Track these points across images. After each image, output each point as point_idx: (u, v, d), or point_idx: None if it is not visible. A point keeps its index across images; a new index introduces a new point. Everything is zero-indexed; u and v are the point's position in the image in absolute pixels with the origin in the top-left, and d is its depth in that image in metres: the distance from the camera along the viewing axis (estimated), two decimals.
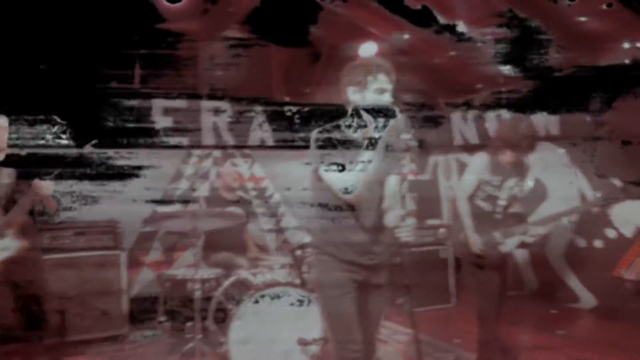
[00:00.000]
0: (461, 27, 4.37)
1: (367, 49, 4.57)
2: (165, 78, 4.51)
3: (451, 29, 4.39)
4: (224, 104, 4.89)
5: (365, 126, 2.09)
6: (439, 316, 4.34)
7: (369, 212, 2.12)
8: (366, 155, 2.02)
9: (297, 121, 4.97)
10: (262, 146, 5.02)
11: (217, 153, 4.83)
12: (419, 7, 4.16)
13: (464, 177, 3.02)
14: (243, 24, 4.56)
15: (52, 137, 3.66)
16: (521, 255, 4.98)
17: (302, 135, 4.85)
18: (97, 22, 3.80)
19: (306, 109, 5.00)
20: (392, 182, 2.16)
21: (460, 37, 4.39)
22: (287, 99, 5.14)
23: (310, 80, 5.16)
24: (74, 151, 3.11)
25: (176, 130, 4.64)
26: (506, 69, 4.45)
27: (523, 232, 2.89)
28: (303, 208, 4.15)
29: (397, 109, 2.01)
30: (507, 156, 2.91)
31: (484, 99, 5.20)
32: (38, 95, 3.75)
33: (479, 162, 2.95)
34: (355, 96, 2.14)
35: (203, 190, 4.57)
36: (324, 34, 4.80)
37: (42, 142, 3.63)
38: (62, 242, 3.74)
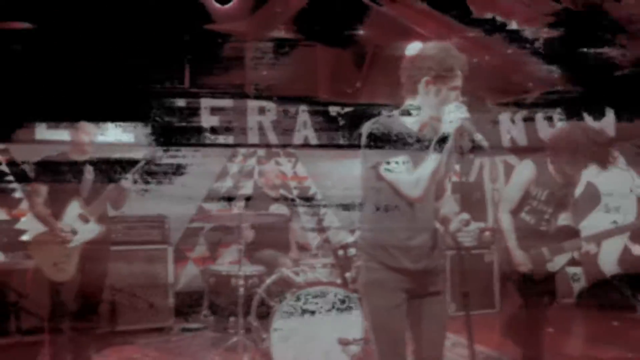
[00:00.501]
0: (513, 25, 4.25)
1: (412, 48, 4.51)
2: (213, 78, 4.61)
3: (502, 27, 4.28)
4: (269, 104, 4.96)
5: (424, 119, 1.98)
6: (482, 321, 4.22)
7: (427, 213, 2.02)
8: (433, 152, 1.89)
9: (341, 121, 4.98)
10: (305, 145, 5.05)
11: (261, 152, 4.90)
12: (469, 7, 4.08)
13: (507, 188, 2.85)
14: (289, 24, 4.61)
15: (112, 138, 3.85)
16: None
17: (346, 135, 4.85)
18: (149, 22, 3.93)
19: (351, 109, 4.99)
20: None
21: (512, 36, 4.27)
22: (332, 99, 5.15)
23: (356, 80, 5.15)
24: (131, 150, 3.35)
25: (222, 129, 4.74)
26: (559, 69, 4.29)
27: (574, 248, 2.70)
28: (347, 208, 4.15)
29: (466, 108, 1.88)
30: (561, 165, 2.66)
31: (535, 99, 5.04)
32: (94, 96, 3.92)
33: (524, 172, 2.73)
34: (424, 91, 1.96)
35: (247, 189, 4.65)
36: (370, 34, 4.77)
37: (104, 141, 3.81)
38: (114, 236, 3.90)
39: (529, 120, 5.18)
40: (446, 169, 1.99)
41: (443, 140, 1.87)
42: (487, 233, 4.66)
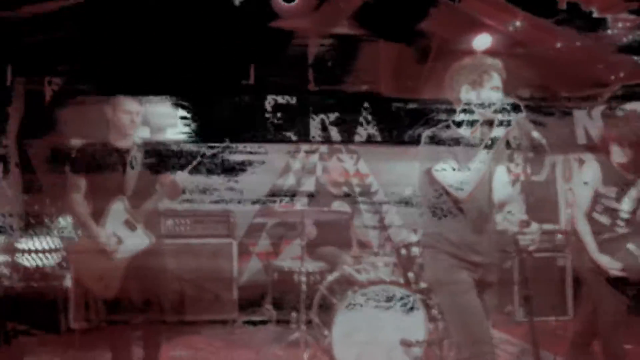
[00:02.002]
0: (591, 13, 3.99)
1: (481, 42, 4.35)
2: (277, 75, 4.67)
3: (578, 16, 4.03)
4: (331, 100, 4.96)
5: (476, 124, 2.08)
6: (554, 328, 4.03)
7: (477, 212, 2.11)
8: (482, 153, 2.00)
9: (404, 117, 4.89)
10: (368, 141, 5.01)
11: (323, 148, 4.92)
12: None
13: (577, 191, 2.78)
14: (353, 20, 4.58)
15: (176, 131, 3.94)
16: None
17: (409, 131, 4.76)
18: (217, 20, 4.03)
19: (414, 105, 4.90)
20: (504, 182, 2.12)
21: (589, 25, 4.01)
22: (395, 94, 5.08)
23: (419, 75, 5.04)
24: (194, 145, 3.27)
25: (285, 126, 4.79)
26: None
27: None
28: (409, 206, 4.08)
29: (521, 105, 1.96)
30: (623, 157, 2.60)
31: (614, 92, 4.71)
32: (160, 89, 4.05)
33: (590, 172, 2.68)
34: (469, 94, 2.12)
35: (309, 185, 4.68)
36: (435, 28, 4.65)
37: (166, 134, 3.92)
38: (182, 230, 4.05)
39: (608, 115, 4.85)
40: (494, 168, 2.10)
41: (492, 141, 1.99)
42: (559, 236, 4.43)
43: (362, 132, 5.02)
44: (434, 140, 2.11)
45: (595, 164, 2.68)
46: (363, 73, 5.01)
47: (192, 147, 2.99)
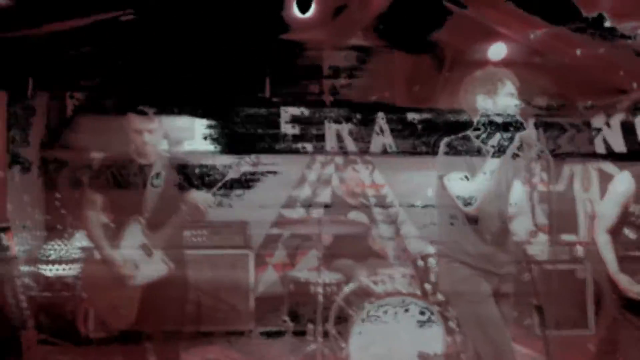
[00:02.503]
0: (607, 21, 3.95)
1: (496, 51, 4.34)
2: (292, 86, 4.70)
3: (594, 24, 3.99)
4: (346, 111, 4.98)
5: (494, 135, 2.08)
6: (574, 343, 3.95)
7: (492, 222, 2.12)
8: (491, 164, 2.02)
9: (419, 128, 4.89)
10: (383, 152, 5.02)
11: (339, 159, 4.93)
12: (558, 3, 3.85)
13: (603, 204, 2.59)
14: (367, 30, 4.60)
15: (194, 143, 3.98)
16: None
17: (424, 141, 4.76)
18: (231, 33, 4.08)
19: (429, 115, 4.89)
20: (518, 193, 2.13)
21: (605, 33, 3.97)
22: (410, 105, 5.08)
23: (434, 86, 5.04)
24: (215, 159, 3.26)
25: (301, 137, 4.82)
26: None
27: None
28: (425, 216, 4.07)
29: (523, 122, 2.01)
30: None
31: (634, 101, 4.65)
32: (177, 103, 4.11)
33: (621, 187, 2.46)
34: (485, 103, 2.15)
35: (325, 196, 4.68)
36: (450, 38, 4.65)
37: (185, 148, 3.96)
38: (199, 240, 4.08)
39: (627, 124, 4.78)
40: (505, 180, 2.12)
41: (502, 150, 2.01)
42: (577, 247, 4.35)
43: (377, 143, 5.02)
44: (451, 149, 2.13)
45: (629, 178, 2.45)
46: (378, 83, 5.02)
47: (219, 163, 2.94)
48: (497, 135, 2.04)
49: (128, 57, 3.73)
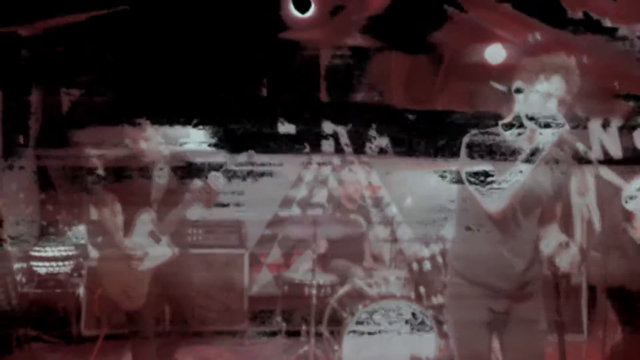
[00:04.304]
0: (607, 24, 3.94)
1: (494, 53, 4.33)
2: (289, 86, 4.69)
3: (594, 27, 3.99)
4: (343, 111, 4.96)
5: (525, 133, 1.87)
6: (567, 349, 3.93)
7: (516, 228, 1.87)
8: (521, 166, 1.78)
9: (416, 129, 4.88)
10: (380, 153, 5.00)
11: (336, 160, 4.91)
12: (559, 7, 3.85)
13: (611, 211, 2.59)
14: (364, 31, 4.59)
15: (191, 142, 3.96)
16: None
17: (421, 143, 4.74)
18: (229, 32, 4.06)
19: (426, 116, 4.88)
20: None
21: (606, 36, 3.97)
22: (408, 106, 5.06)
23: (431, 86, 5.03)
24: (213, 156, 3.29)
25: (298, 137, 4.80)
26: None
27: None
28: (421, 219, 4.05)
29: (565, 121, 1.77)
30: None
31: (631, 106, 4.64)
32: (175, 103, 4.09)
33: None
34: (517, 94, 1.88)
35: (321, 197, 4.67)
36: (448, 39, 4.64)
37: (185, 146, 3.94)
38: (194, 239, 4.06)
39: (624, 128, 4.78)
40: (537, 183, 1.86)
41: (535, 152, 1.76)
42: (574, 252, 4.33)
43: (374, 144, 5.01)
44: (473, 145, 1.89)
45: None
46: (375, 84, 5.01)
47: (219, 157, 3.00)
48: (534, 133, 1.80)
49: (123, 56, 3.72)
